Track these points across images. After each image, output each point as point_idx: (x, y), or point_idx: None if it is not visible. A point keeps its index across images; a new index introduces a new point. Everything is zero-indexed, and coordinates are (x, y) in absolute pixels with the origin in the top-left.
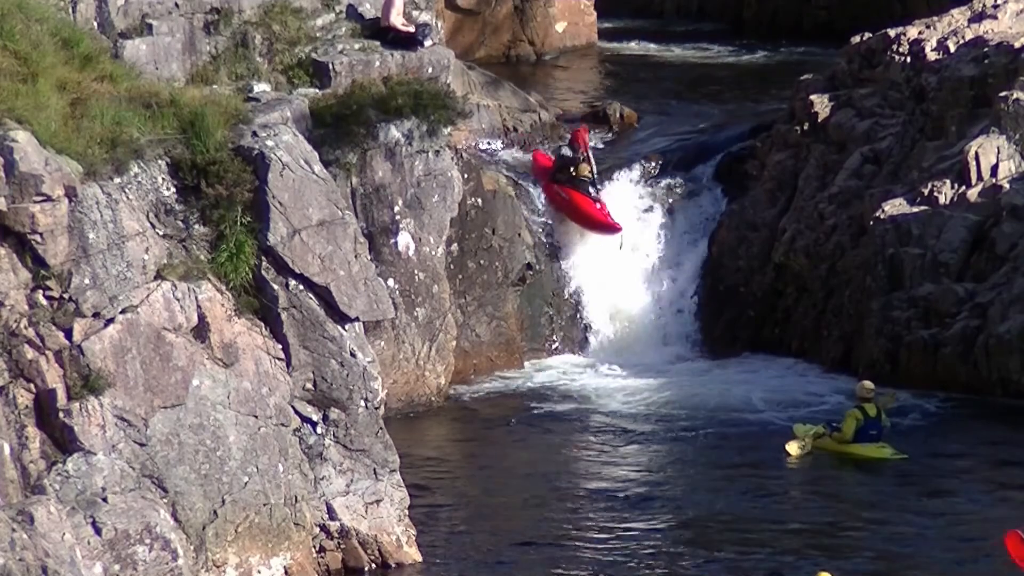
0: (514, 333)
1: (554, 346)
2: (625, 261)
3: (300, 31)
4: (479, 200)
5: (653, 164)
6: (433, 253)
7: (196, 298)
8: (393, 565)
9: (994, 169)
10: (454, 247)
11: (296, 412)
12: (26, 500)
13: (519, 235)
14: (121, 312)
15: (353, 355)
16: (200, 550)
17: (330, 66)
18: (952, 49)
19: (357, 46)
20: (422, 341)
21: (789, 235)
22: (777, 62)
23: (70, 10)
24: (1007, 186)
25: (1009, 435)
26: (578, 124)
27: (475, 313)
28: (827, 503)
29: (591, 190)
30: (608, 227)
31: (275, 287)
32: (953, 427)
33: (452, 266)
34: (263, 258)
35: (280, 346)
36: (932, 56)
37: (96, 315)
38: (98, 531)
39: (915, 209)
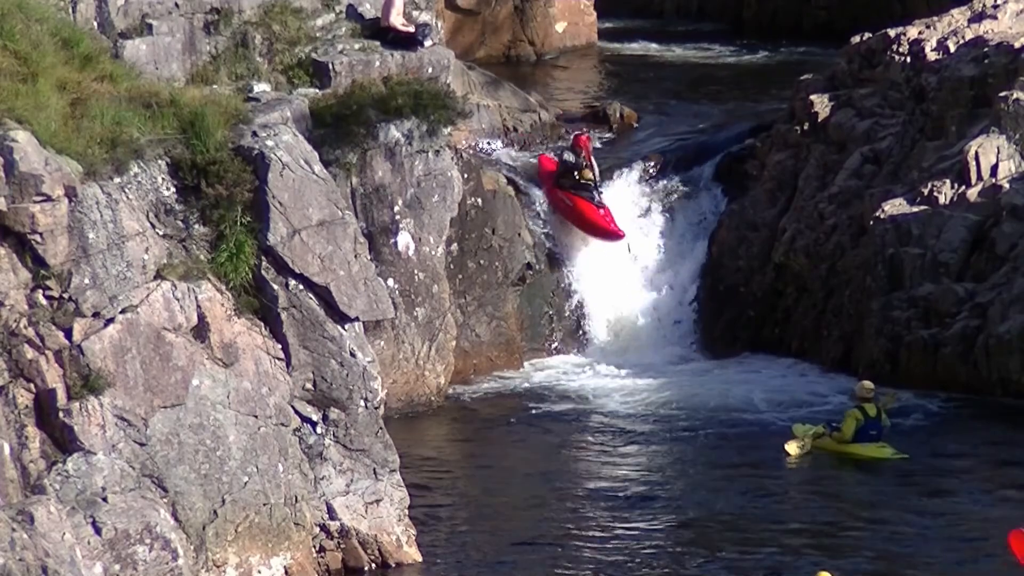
0: (514, 333)
1: (554, 346)
2: (625, 261)
3: (300, 31)
4: (479, 200)
5: (653, 164)
6: (433, 253)
7: (196, 298)
8: (393, 565)
9: (994, 169)
10: (454, 247)
11: (296, 412)
12: (26, 500)
13: (519, 235)
14: (121, 312)
15: (353, 355)
16: (200, 550)
17: (330, 66)
18: (952, 49)
19: (357, 46)
20: (422, 341)
21: (789, 235)
22: (777, 62)
23: (70, 10)
24: (1007, 186)
25: (1009, 435)
26: (579, 127)
27: (475, 313)
28: (827, 503)
29: (595, 196)
30: (612, 234)
31: (275, 287)
32: (953, 427)
33: (452, 266)
34: (263, 258)
35: (280, 346)
36: (932, 56)
37: (96, 315)
38: (98, 531)
39: (915, 209)
